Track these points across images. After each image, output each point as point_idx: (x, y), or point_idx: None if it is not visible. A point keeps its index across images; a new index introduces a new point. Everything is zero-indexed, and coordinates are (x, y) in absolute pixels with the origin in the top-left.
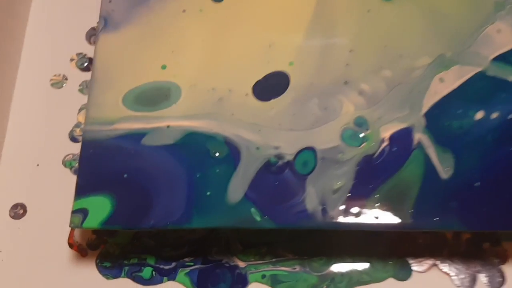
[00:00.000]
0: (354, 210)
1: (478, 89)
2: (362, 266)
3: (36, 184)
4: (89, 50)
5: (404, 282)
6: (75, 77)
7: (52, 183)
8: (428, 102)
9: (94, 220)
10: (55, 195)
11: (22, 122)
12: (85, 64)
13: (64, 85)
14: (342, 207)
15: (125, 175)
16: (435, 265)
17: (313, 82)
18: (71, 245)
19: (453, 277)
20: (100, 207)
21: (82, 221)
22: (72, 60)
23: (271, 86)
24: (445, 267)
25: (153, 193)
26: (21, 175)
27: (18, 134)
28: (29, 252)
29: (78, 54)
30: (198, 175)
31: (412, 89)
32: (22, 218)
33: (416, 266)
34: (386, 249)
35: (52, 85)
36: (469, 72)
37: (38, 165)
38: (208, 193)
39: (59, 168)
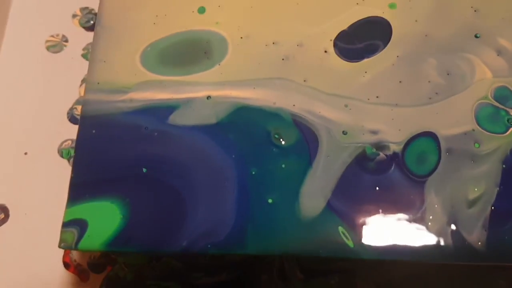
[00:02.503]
0: (502, 233)
1: None
2: None
3: (22, 180)
4: (97, 4)
5: None
6: (78, 38)
7: (44, 179)
8: None
9: (96, 239)
10: (47, 195)
11: (8, 97)
12: (92, 22)
13: (64, 48)
14: (484, 227)
15: (144, 170)
16: None
17: (428, 33)
18: (67, 265)
19: None
20: (105, 218)
21: (78, 240)
22: (74, 16)
23: (363, 39)
24: None
25: (186, 199)
26: (3, 167)
27: (2, 112)
28: (10, 272)
29: (82, 9)
30: (253, 172)
31: None
32: (3, 225)
33: None
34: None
35: (48, 48)
36: None
37: (26, 153)
38: (270, 200)
39: (54, 158)
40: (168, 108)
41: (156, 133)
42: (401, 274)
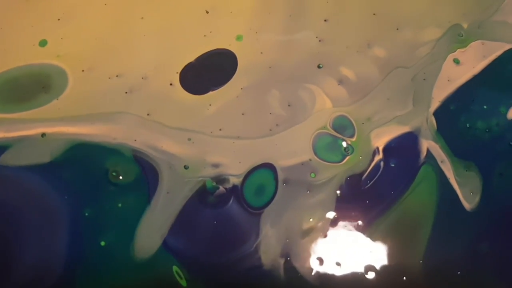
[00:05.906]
0: (335, 261)
1: (509, 74)
2: None
3: None
4: None
5: None
6: None
7: None
8: (440, 93)
9: None
10: None
11: None
12: None
13: None
14: (317, 257)
15: None
16: None
17: (272, 64)
18: None
19: None
20: None
21: None
22: None
23: (209, 72)
24: None
25: (12, 245)
26: None
27: None
28: None
29: None
30: (87, 213)
31: (415, 74)
32: None
33: None
34: None
35: None
36: (494, 49)
37: None
38: (103, 242)
39: None
40: None
41: None
42: None
